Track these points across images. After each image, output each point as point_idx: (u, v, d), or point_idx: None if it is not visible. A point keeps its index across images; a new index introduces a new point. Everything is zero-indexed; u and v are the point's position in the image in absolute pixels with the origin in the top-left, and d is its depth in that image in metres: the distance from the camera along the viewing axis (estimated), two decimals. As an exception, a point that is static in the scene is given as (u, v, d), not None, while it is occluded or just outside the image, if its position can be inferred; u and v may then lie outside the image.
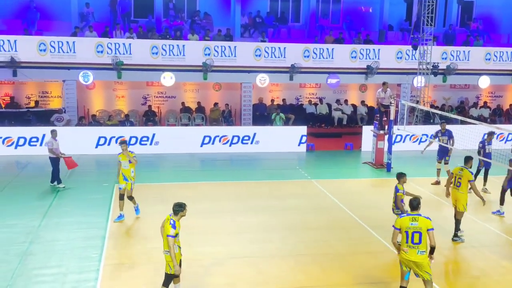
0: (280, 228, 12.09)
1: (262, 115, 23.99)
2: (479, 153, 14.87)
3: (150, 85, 24.21)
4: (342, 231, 11.96)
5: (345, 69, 23.68)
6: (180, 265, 8.17)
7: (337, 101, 25.51)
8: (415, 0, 25.75)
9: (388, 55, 23.98)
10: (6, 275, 9.37)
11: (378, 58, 23.70)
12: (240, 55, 22.71)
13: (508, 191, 13.34)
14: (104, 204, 13.45)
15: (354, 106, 25.77)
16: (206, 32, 24.10)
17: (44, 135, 18.68)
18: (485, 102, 27.05)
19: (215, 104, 23.99)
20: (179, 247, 8.10)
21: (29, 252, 10.46)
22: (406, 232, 8.05)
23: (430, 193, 15.10)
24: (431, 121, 22.66)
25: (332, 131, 24.35)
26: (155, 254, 9.74)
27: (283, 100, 25.11)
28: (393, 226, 8.31)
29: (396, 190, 10.70)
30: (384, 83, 18.79)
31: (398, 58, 24.10)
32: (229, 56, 22.64)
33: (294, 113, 24.15)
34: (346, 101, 25.73)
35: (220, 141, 20.40)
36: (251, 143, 20.66)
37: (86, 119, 22.41)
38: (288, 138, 20.91)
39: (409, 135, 20.73)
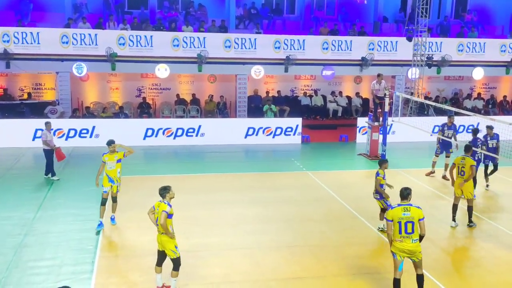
0: (276, 219, 12.12)
1: (257, 107, 23.95)
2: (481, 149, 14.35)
3: (145, 77, 24.09)
4: (337, 223, 12.01)
5: (340, 61, 23.64)
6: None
7: (332, 93, 25.52)
8: (410, -9, 25.77)
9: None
10: (1, 267, 9.36)
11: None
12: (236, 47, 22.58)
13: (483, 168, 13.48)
14: (99, 197, 13.34)
15: (348, 98, 25.80)
16: (200, 23, 23.94)
17: (36, 130, 18.24)
18: (479, 94, 27.12)
19: (210, 96, 23.96)
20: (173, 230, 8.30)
21: (24, 244, 10.45)
22: (399, 223, 8.08)
23: (423, 184, 15.20)
24: (425, 112, 22.69)
25: (327, 122, 24.39)
26: (151, 246, 9.73)
27: (278, 92, 25.08)
28: (385, 218, 8.35)
29: (377, 174, 10.97)
30: (378, 75, 18.82)
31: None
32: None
33: (289, 105, 24.13)
34: (340, 92, 25.75)
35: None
36: (245, 137, 20.61)
37: (80, 111, 22.30)
38: (282, 130, 20.91)
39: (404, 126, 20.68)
